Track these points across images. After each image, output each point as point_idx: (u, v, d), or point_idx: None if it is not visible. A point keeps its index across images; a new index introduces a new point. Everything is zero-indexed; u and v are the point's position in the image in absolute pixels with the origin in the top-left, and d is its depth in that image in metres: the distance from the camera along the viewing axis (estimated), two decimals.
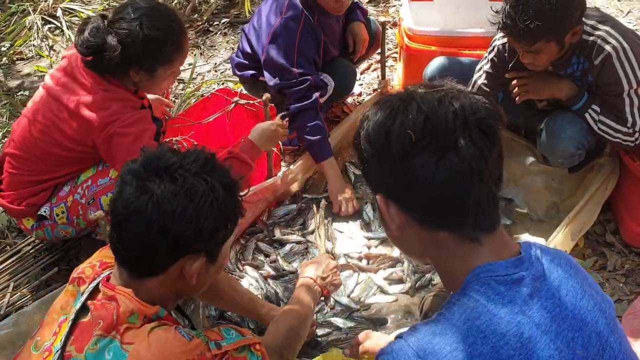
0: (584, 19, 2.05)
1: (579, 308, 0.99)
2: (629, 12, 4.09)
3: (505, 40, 2.24)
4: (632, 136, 2.16)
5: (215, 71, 3.65)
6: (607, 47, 2.05)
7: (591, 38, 2.08)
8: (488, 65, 2.38)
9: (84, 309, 1.23)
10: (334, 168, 2.54)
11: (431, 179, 0.94)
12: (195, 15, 4.13)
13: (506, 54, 2.29)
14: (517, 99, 2.25)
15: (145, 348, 1.14)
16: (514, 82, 2.26)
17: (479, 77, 2.42)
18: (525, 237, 2.35)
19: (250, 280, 2.19)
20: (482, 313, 0.95)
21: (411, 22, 2.89)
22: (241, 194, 1.28)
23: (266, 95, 2.37)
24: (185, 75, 3.57)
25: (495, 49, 2.34)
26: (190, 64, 3.57)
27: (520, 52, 2.12)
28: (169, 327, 1.19)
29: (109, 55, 1.89)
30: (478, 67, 2.43)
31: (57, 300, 1.32)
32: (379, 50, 2.99)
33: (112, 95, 1.99)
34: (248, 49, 2.77)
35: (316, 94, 2.54)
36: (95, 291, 1.25)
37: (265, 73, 2.61)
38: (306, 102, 2.51)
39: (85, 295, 1.24)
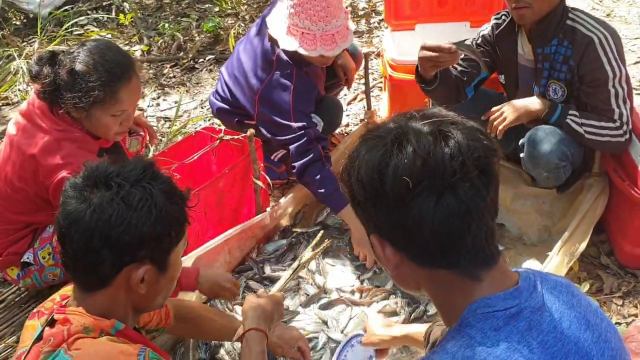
0: (570, 9, 2.21)
1: (582, 341, 0.95)
2: (608, 15, 4.26)
3: (489, 29, 2.43)
4: (621, 129, 2.17)
5: (202, 108, 3.65)
6: (590, 34, 2.16)
7: (576, 24, 2.19)
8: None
9: (40, 339, 1.23)
10: (353, 214, 2.44)
11: (429, 221, 0.91)
12: (181, 53, 4.16)
13: (491, 38, 2.43)
14: (498, 133, 2.26)
15: (92, 353, 1.15)
16: (491, 117, 2.28)
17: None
18: (528, 264, 2.32)
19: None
20: (477, 351, 0.91)
21: (394, 52, 2.90)
22: (186, 202, 1.29)
23: (250, 131, 2.35)
24: (171, 113, 3.58)
25: (481, 37, 2.47)
26: (175, 102, 3.58)
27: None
28: (129, 344, 1.20)
29: (43, 82, 1.92)
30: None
31: (20, 338, 1.32)
32: (363, 81, 3.01)
33: (67, 136, 1.98)
34: (228, 95, 2.73)
35: (318, 147, 2.46)
36: (52, 320, 1.25)
37: (261, 129, 2.56)
38: (310, 157, 2.42)
39: (42, 327, 1.24)
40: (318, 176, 2.41)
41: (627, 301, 2.14)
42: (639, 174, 2.15)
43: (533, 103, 2.27)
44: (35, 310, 1.34)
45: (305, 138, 2.44)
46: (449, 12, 3.09)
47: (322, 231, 2.07)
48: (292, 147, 2.46)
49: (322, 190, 2.41)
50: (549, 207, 2.48)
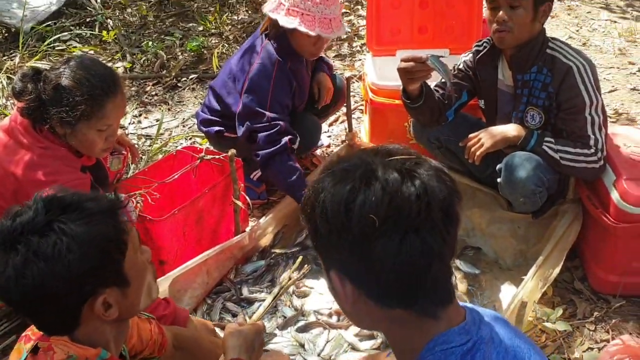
0: (550, 38, 2.31)
1: None
2: (584, 44, 4.38)
3: (470, 56, 2.49)
4: (595, 155, 2.23)
5: (183, 126, 3.66)
6: (569, 62, 2.24)
7: (555, 53, 2.28)
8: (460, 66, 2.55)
9: None
10: None
11: (391, 260, 0.91)
12: (164, 71, 4.17)
13: (472, 64, 2.50)
14: (475, 159, 2.32)
15: None
16: (469, 143, 2.34)
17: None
18: (504, 287, 2.36)
19: None
20: None
21: (375, 76, 2.95)
22: (117, 210, 1.22)
23: (232, 151, 2.37)
24: (152, 131, 3.57)
25: (462, 62, 2.54)
26: (157, 120, 3.58)
27: (494, 15, 2.23)
28: None
29: (27, 99, 1.91)
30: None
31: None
32: (345, 104, 3.05)
33: (50, 153, 1.97)
34: (215, 105, 2.78)
35: (286, 138, 2.52)
36: (36, 348, 1.23)
37: (237, 122, 2.61)
38: (276, 147, 2.49)
39: (27, 353, 1.22)
40: (283, 166, 2.48)
41: (600, 326, 2.17)
42: (611, 202, 2.21)
43: (510, 130, 2.33)
44: (23, 333, 1.30)
45: (276, 128, 2.50)
46: (429, 39, 3.15)
47: (301, 256, 2.08)
48: (260, 134, 2.52)
49: (286, 180, 2.48)
50: (524, 232, 2.52)
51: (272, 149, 2.49)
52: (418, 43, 3.14)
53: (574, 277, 2.39)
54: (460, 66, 2.55)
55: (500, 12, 2.21)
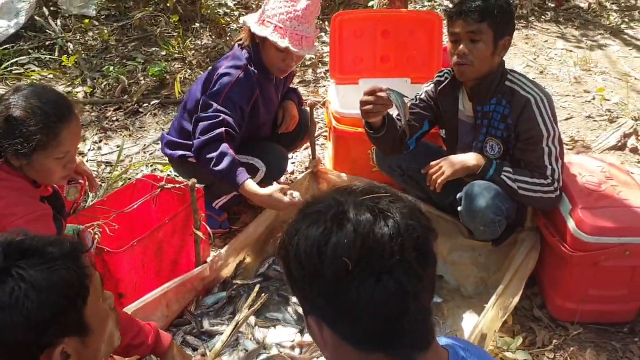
0: (509, 70, 2.37)
1: None
2: (541, 72, 4.52)
3: (431, 86, 2.55)
4: (552, 185, 2.28)
5: (144, 152, 3.60)
6: (528, 95, 2.30)
7: (514, 86, 2.34)
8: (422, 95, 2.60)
9: None
10: (254, 187, 2.42)
11: (366, 303, 0.90)
12: (125, 96, 4.11)
13: (434, 94, 2.55)
14: (437, 186, 2.35)
15: None
16: (430, 171, 2.38)
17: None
18: (466, 316, 2.37)
19: None
20: None
21: (338, 105, 2.97)
22: (78, 254, 1.17)
23: (192, 180, 2.33)
24: (112, 157, 3.51)
25: (424, 92, 2.59)
26: (117, 146, 3.52)
27: (455, 48, 2.28)
28: None
29: None
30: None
31: None
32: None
33: (7, 184, 1.90)
34: (185, 126, 2.74)
35: (221, 129, 2.46)
36: None
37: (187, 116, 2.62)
38: (212, 135, 2.45)
39: None
40: (213, 153, 2.43)
41: (558, 354, 2.20)
42: (567, 230, 2.25)
43: (470, 159, 2.37)
44: None
45: (218, 119, 2.48)
46: (390, 68, 3.20)
47: (258, 285, 2.05)
48: (201, 123, 2.50)
49: (220, 167, 2.42)
50: (485, 260, 2.55)
51: (206, 137, 2.45)
52: (380, 71, 3.19)
53: (532, 304, 2.42)
54: (422, 96, 2.60)
55: (461, 46, 2.27)
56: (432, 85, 2.58)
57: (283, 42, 2.50)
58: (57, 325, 1.11)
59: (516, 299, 2.23)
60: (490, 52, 2.27)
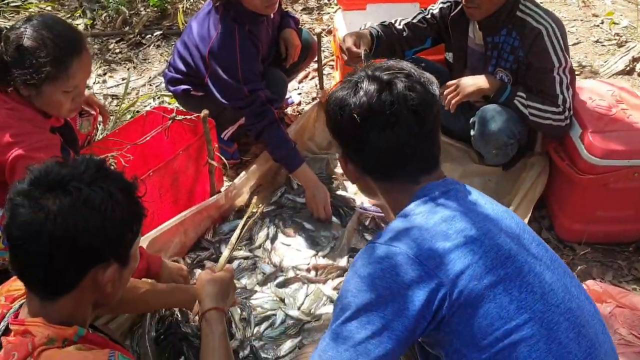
0: (521, 0, 2.32)
1: (497, 212, 1.29)
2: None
3: (437, 10, 2.56)
4: (562, 114, 2.30)
5: (150, 85, 3.58)
6: (539, 26, 2.27)
7: (525, 16, 2.30)
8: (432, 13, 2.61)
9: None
10: (307, 174, 2.50)
11: (375, 147, 1.29)
12: (127, 28, 4.04)
13: (444, 17, 2.55)
14: (451, 107, 2.35)
15: None
16: (446, 92, 2.37)
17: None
18: None
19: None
20: (413, 213, 1.25)
21: (345, 31, 2.92)
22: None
23: (204, 112, 2.34)
24: (118, 90, 3.49)
25: (430, 13, 2.60)
26: (123, 79, 3.50)
27: None
28: (97, 351, 1.16)
29: None
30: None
31: None
32: (315, 59, 3.02)
33: (16, 114, 1.91)
34: (181, 66, 2.71)
35: (270, 109, 2.50)
36: (7, 329, 1.22)
37: (214, 91, 2.56)
38: (265, 120, 2.48)
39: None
40: (273, 139, 2.50)
41: None
42: (577, 154, 2.28)
43: (485, 81, 2.37)
44: None
45: (257, 101, 2.49)
46: None
47: (255, 197, 2.11)
48: (245, 111, 2.52)
49: (278, 152, 2.51)
50: (495, 185, 2.59)
51: (260, 122, 2.49)
52: None
53: (541, 226, 2.48)
54: (428, 16, 2.59)
55: None
56: (437, 9, 2.57)
57: None
58: (119, 245, 1.20)
59: (525, 221, 2.28)
60: None
